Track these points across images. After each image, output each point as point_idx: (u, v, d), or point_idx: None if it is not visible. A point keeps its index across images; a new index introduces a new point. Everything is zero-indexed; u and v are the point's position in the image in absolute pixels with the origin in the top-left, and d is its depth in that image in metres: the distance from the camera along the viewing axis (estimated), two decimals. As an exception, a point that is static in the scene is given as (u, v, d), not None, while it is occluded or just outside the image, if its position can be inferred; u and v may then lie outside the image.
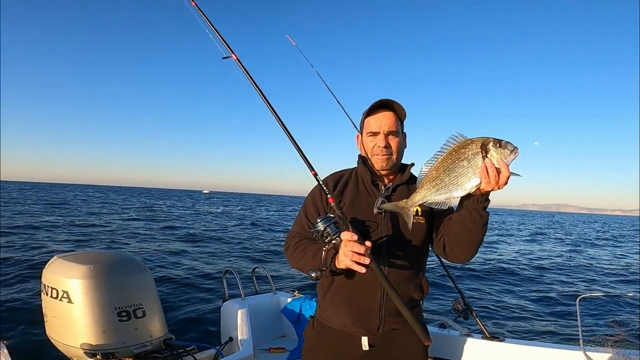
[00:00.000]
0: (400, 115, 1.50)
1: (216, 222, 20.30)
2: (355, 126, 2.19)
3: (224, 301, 2.89)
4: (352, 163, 1.64)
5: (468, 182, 1.20)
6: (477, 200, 1.27)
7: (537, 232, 27.83)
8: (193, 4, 1.45)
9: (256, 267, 3.36)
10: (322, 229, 1.28)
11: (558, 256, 14.34)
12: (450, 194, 1.23)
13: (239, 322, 2.64)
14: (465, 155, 1.20)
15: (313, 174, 1.46)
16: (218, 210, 30.42)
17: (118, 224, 15.66)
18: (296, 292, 3.21)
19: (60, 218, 16.79)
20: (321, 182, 1.44)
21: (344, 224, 1.32)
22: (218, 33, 1.37)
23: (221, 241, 12.56)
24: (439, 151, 1.25)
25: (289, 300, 3.08)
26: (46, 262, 2.11)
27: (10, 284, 5.87)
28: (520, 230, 28.46)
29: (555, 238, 23.66)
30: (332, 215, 1.33)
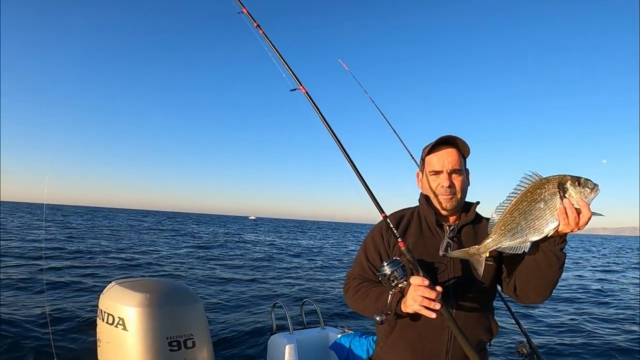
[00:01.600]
0: (463, 152, 1.46)
1: (263, 249, 20.33)
2: (414, 159, 2.12)
3: (271, 334, 2.83)
4: (408, 195, 1.58)
5: (546, 226, 1.15)
6: (553, 242, 1.21)
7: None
8: (261, 31, 1.48)
9: (305, 299, 3.28)
10: (389, 272, 1.26)
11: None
12: (526, 238, 1.17)
13: (286, 356, 2.57)
14: (542, 197, 1.15)
15: (383, 216, 1.45)
16: (266, 238, 30.66)
17: (166, 250, 16.23)
18: (345, 328, 3.09)
19: (112, 242, 17.73)
20: (392, 226, 1.40)
21: (414, 268, 1.29)
22: (287, 64, 1.38)
23: (268, 269, 12.39)
24: (512, 193, 1.20)
25: (338, 336, 2.95)
26: (103, 287, 2.16)
27: (67, 309, 6.14)
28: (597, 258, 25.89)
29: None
30: (398, 259, 1.30)
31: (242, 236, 32.09)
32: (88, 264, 10.72)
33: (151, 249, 16.54)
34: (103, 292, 2.12)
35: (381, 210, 1.45)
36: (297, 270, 12.78)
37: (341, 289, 1.59)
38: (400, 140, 2.26)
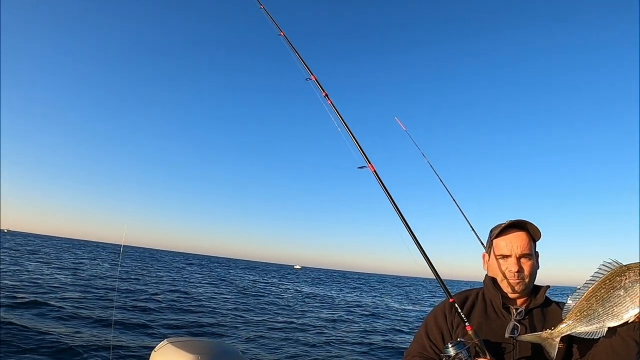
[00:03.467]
0: (534, 235, 1.44)
1: (313, 304, 19.50)
2: (480, 240, 2.01)
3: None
4: (473, 277, 1.49)
5: (625, 312, 1.13)
6: (632, 327, 1.18)
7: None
8: (329, 101, 1.53)
9: None
10: (454, 354, 1.25)
11: None
12: (603, 324, 1.16)
13: None
14: (622, 284, 1.13)
15: (451, 302, 1.44)
16: (318, 292, 29.64)
17: (211, 300, 16.23)
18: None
19: (164, 285, 18.23)
20: (460, 311, 1.39)
21: (480, 351, 1.28)
22: (356, 141, 1.40)
23: (315, 332, 11.33)
24: (589, 280, 1.19)
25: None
26: (155, 345, 2.17)
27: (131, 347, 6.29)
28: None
29: None
30: (463, 340, 1.29)
31: (290, 285, 31.68)
32: (137, 304, 11.05)
33: (199, 296, 16.77)
34: (155, 350, 2.13)
35: (449, 295, 1.45)
36: (350, 328, 12.05)
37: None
38: (462, 213, 2.17)
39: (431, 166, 2.27)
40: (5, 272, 14.68)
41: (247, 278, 36.45)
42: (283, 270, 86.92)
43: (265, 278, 41.41)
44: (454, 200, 2.22)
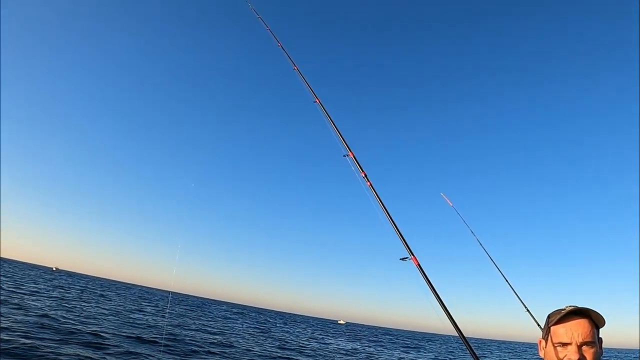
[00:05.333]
0: (597, 322, 1.34)
1: None
2: (536, 322, 1.78)
3: None
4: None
5: None
6: None
7: None
8: (363, 176, 1.49)
9: None
10: None
11: None
12: None
13: None
14: None
15: None
16: (360, 348, 28.31)
17: (250, 352, 15.92)
18: None
19: (218, 337, 18.13)
20: None
21: None
22: (401, 235, 1.33)
23: None
24: None
25: None
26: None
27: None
28: None
29: None
30: None
31: (337, 344, 30.33)
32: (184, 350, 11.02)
33: (241, 346, 16.47)
34: None
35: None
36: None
37: None
38: (515, 292, 1.94)
39: (482, 246, 2.10)
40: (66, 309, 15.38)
41: (291, 331, 35.56)
42: (325, 325, 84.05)
43: (308, 331, 40.11)
44: (506, 280, 2.01)
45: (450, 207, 2.24)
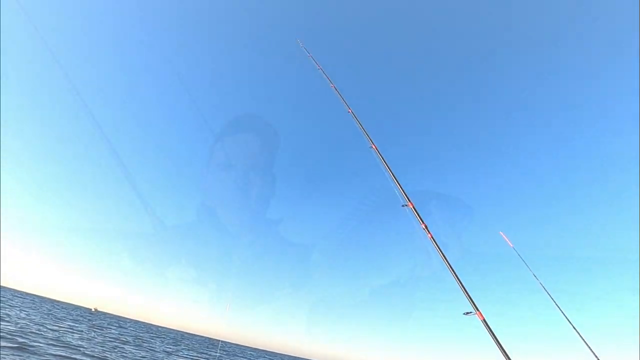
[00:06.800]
0: None
1: None
2: None
3: None
4: None
5: None
6: None
7: None
8: (424, 227, 1.63)
9: None
10: None
11: None
12: None
13: None
14: None
15: None
16: None
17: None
18: None
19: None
20: None
21: None
22: (464, 289, 1.46)
23: None
24: None
25: None
26: None
27: None
28: None
29: None
30: None
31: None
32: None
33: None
34: None
35: None
36: None
37: None
38: (588, 345, 1.96)
39: (546, 290, 2.18)
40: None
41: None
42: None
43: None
44: (576, 330, 2.05)
45: (510, 248, 2.27)
